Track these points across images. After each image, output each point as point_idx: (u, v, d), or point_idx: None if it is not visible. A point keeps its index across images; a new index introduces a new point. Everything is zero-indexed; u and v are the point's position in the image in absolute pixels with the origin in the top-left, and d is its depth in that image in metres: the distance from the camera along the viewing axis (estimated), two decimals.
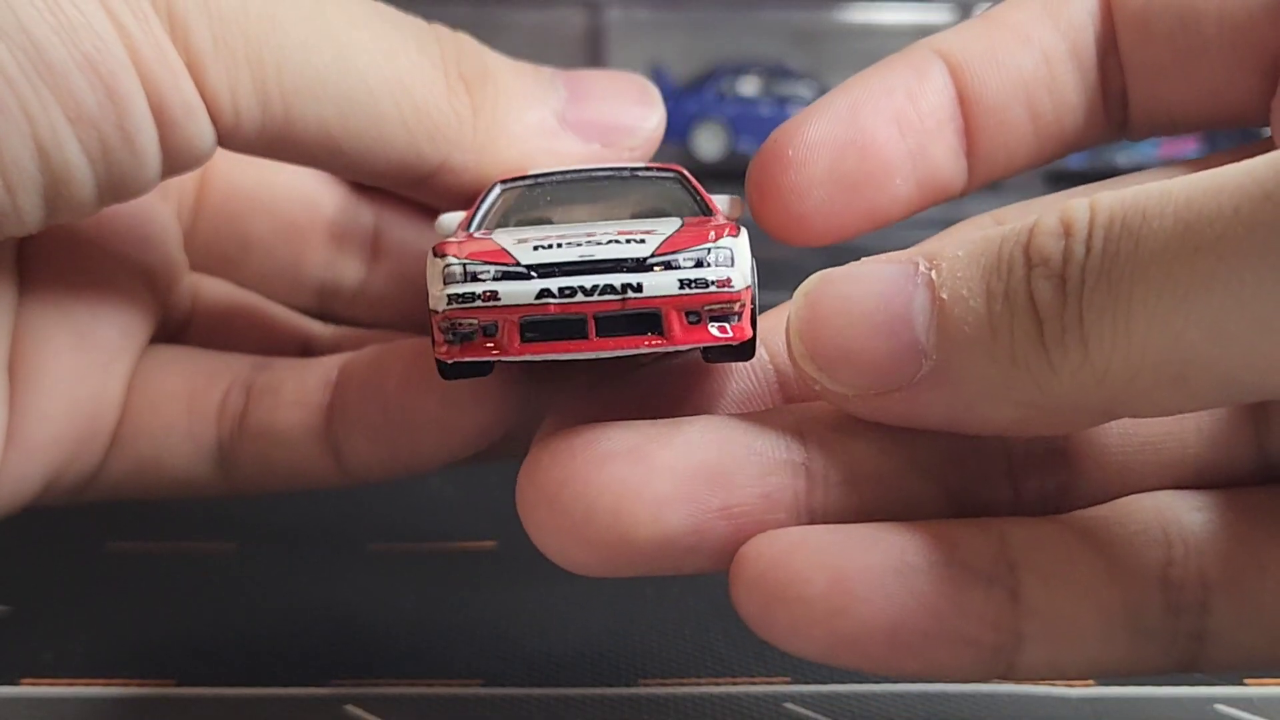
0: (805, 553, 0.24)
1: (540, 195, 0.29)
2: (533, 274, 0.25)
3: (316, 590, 0.36)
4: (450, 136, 0.28)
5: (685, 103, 0.83)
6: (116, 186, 0.26)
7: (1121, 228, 0.21)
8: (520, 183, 0.29)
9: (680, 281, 0.25)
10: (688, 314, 0.25)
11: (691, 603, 0.36)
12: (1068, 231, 0.22)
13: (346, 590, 0.36)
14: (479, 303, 0.24)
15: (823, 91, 0.88)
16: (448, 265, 0.25)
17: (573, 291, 0.24)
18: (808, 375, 0.24)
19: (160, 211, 0.33)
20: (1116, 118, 0.30)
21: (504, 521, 0.41)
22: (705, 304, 0.25)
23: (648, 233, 0.25)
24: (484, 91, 0.28)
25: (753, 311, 0.26)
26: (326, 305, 0.35)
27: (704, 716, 0.31)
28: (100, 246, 0.31)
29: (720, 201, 0.29)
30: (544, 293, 0.24)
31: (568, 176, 0.29)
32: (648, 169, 0.29)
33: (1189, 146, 0.73)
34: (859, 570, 0.24)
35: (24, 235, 0.26)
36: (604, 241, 0.25)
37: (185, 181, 0.34)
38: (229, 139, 0.27)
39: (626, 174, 0.29)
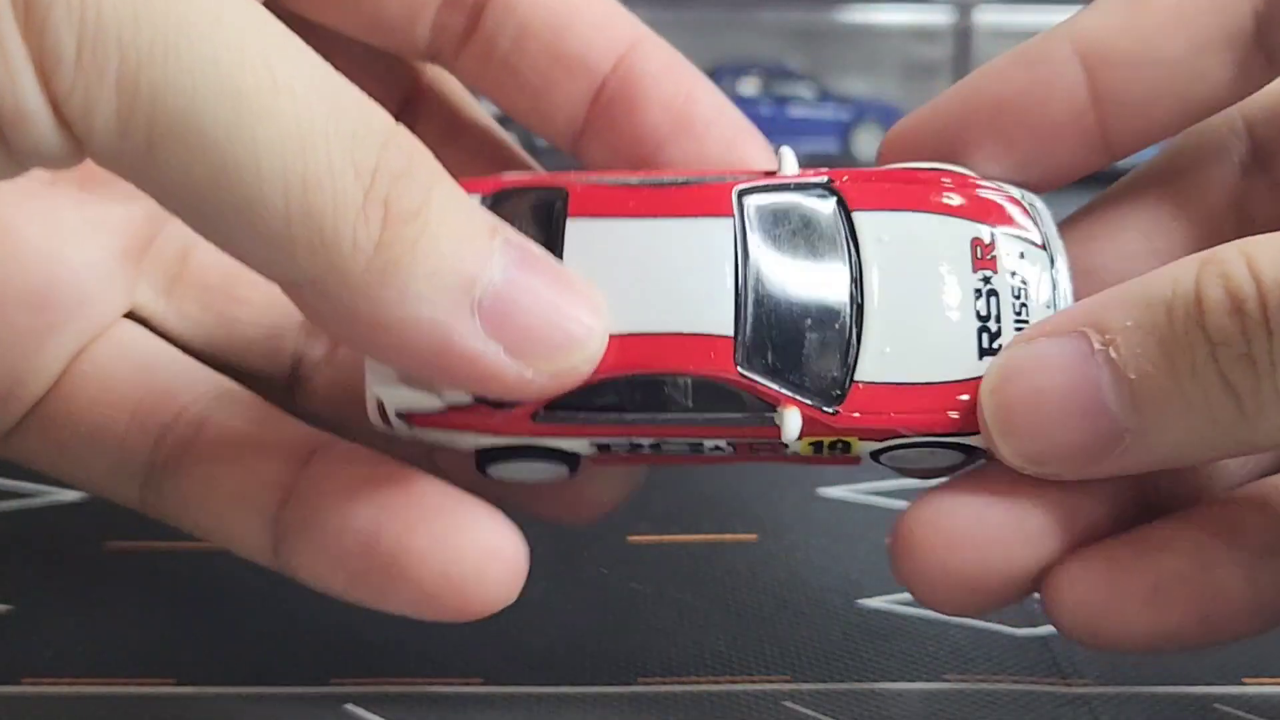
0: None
1: None
2: None
3: (316, 590, 0.36)
4: (334, 261, 0.23)
5: None
6: None
7: None
8: None
9: None
10: None
11: (691, 602, 0.36)
12: (1239, 311, 0.23)
13: None
14: None
15: (823, 92, 0.88)
16: None
17: None
18: (1014, 466, 0.26)
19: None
20: (1273, 74, 0.29)
21: None
22: None
23: None
24: (403, 231, 0.23)
25: None
26: None
27: (704, 715, 0.31)
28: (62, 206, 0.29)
29: None
30: None
31: None
32: None
33: None
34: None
35: None
36: None
37: None
38: (88, 152, 0.23)
39: None
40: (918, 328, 0.27)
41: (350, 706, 0.31)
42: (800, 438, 0.27)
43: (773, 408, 0.26)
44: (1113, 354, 0.24)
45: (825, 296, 0.27)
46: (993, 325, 0.27)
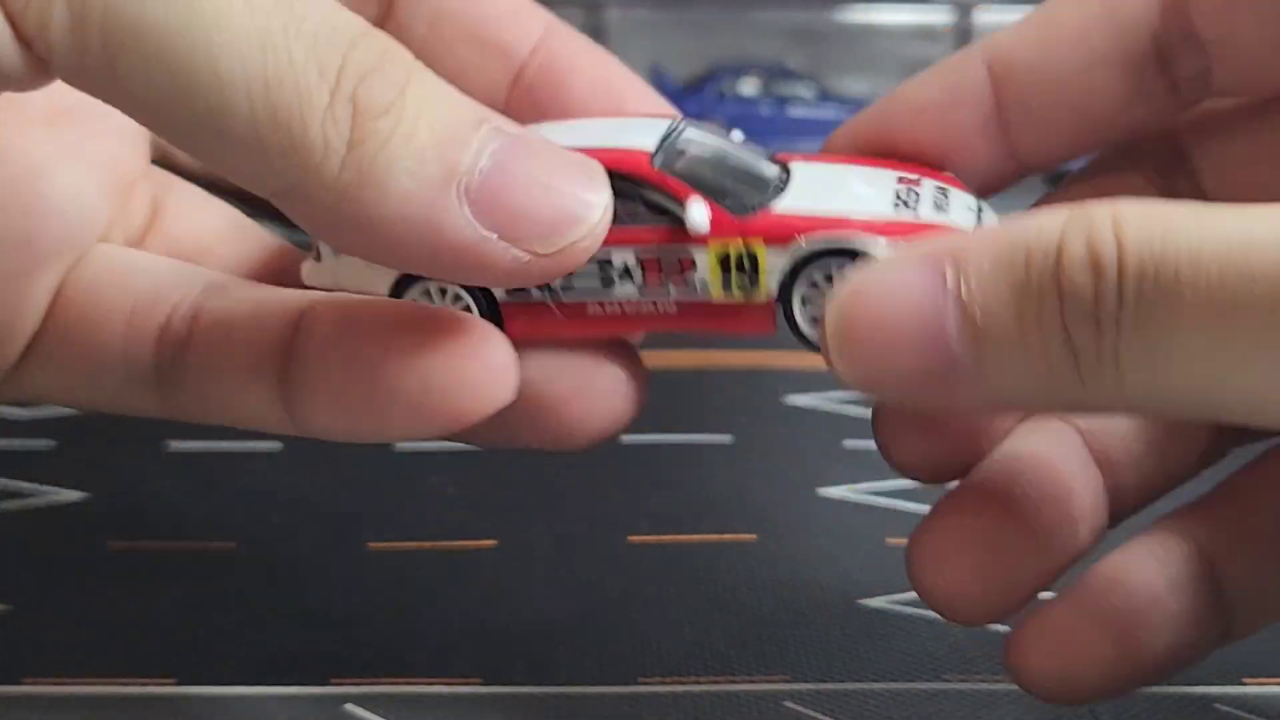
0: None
1: None
2: None
3: (316, 590, 0.36)
4: (309, 163, 0.23)
5: (685, 103, 0.82)
6: None
7: (1155, 283, 0.22)
8: None
9: None
10: None
11: (691, 602, 0.36)
12: (1096, 269, 0.23)
13: (346, 589, 0.36)
14: None
15: (823, 93, 0.88)
16: None
17: None
18: (850, 386, 0.26)
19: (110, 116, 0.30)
20: (1179, 102, 0.30)
21: (504, 520, 0.41)
22: None
23: None
24: (377, 125, 0.23)
25: None
26: None
27: (704, 715, 0.31)
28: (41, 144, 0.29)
29: None
30: None
31: None
32: None
33: None
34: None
35: None
36: None
37: None
38: (53, 71, 0.23)
39: None
40: (838, 189, 0.28)
41: (350, 706, 0.31)
42: (708, 240, 0.27)
43: (681, 203, 0.27)
44: (963, 291, 0.24)
45: (752, 163, 0.29)
46: (910, 200, 0.28)
